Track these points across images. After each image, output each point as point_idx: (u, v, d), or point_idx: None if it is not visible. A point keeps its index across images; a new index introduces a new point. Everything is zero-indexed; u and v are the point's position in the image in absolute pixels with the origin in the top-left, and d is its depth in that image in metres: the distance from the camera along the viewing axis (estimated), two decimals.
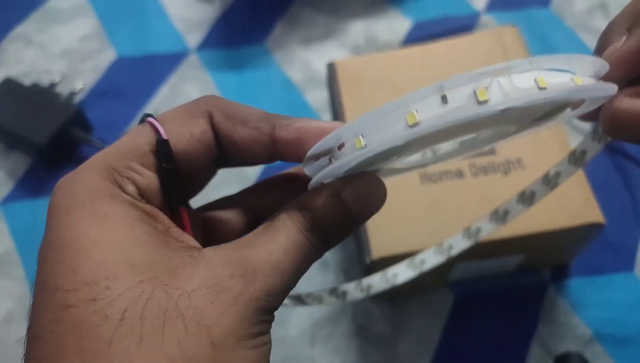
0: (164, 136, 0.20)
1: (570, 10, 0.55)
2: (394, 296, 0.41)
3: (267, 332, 0.19)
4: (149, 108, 0.50)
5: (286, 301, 0.27)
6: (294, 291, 0.22)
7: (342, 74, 0.41)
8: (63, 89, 0.48)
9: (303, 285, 0.42)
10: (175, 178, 0.21)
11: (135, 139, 0.21)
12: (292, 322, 0.40)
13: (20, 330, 0.40)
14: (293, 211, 0.20)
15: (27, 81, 0.48)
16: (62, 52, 0.53)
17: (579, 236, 0.38)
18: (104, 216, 0.19)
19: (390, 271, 0.30)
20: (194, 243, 0.21)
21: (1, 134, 0.47)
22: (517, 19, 0.54)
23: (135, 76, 0.52)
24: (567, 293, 0.42)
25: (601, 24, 0.55)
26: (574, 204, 0.36)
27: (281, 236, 0.20)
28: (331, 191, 0.20)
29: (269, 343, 0.19)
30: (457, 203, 0.36)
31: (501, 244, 0.36)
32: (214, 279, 0.18)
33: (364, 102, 0.40)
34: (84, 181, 0.20)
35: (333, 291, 0.29)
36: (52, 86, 0.48)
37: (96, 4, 0.56)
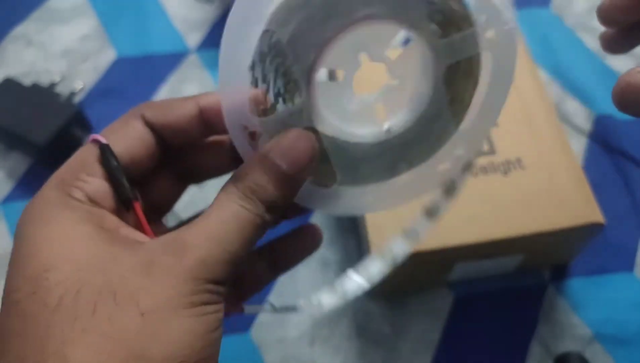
0: (104, 141, 0.23)
1: (570, 10, 0.56)
2: (394, 296, 0.41)
3: (210, 302, 0.20)
4: None
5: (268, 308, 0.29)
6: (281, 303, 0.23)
7: None
8: (63, 89, 0.48)
9: (305, 284, 0.42)
10: (122, 177, 0.23)
11: (81, 154, 0.23)
12: (291, 323, 0.40)
13: None
14: (227, 186, 0.21)
15: (27, 81, 0.48)
16: (62, 52, 0.53)
17: (579, 236, 0.38)
18: (51, 221, 0.21)
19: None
20: (142, 238, 0.22)
21: (1, 134, 0.47)
22: (517, 19, 0.54)
23: (135, 76, 0.52)
24: (567, 293, 0.42)
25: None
26: (574, 204, 0.36)
27: (215, 210, 0.21)
28: (257, 155, 0.21)
29: (215, 313, 0.20)
30: (457, 202, 0.36)
31: (501, 244, 0.36)
32: (147, 259, 0.19)
33: None
34: (39, 197, 0.22)
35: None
36: (52, 86, 0.48)
37: (96, 4, 0.56)
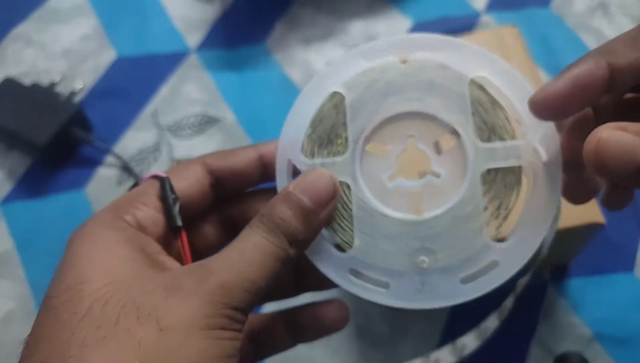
0: (164, 175, 0.25)
1: (570, 10, 0.56)
2: None
3: (228, 327, 0.20)
4: (149, 108, 0.50)
5: None
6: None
7: None
8: (63, 89, 0.48)
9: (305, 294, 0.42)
10: (175, 205, 0.24)
11: (141, 188, 0.25)
12: None
13: (20, 330, 0.40)
14: (253, 220, 0.23)
15: (27, 81, 0.48)
16: (62, 52, 0.53)
17: (579, 236, 0.38)
18: (96, 238, 0.22)
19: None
20: (177, 266, 0.23)
21: (1, 134, 0.47)
22: (517, 19, 0.54)
23: (135, 76, 0.52)
24: (567, 293, 0.42)
25: (601, 24, 0.55)
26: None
27: (239, 241, 0.22)
28: (283, 191, 0.23)
29: (232, 340, 0.20)
30: None
31: None
32: (172, 280, 0.21)
33: None
34: (93, 217, 0.24)
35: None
36: (52, 85, 0.48)
37: (96, 4, 0.56)
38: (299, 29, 0.55)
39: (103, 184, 0.46)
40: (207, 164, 0.26)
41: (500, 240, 0.24)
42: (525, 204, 0.24)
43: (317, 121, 0.26)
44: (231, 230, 0.28)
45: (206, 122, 0.49)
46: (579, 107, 0.22)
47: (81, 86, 0.49)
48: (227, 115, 0.50)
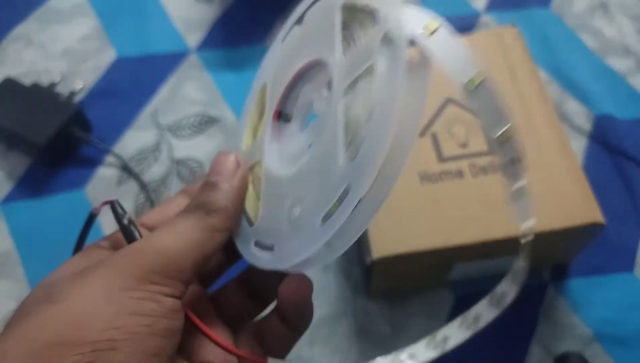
0: (114, 199, 0.26)
1: (570, 10, 0.56)
2: (394, 296, 0.41)
3: (152, 298, 0.21)
4: (149, 108, 0.50)
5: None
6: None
7: None
8: (63, 89, 0.48)
9: None
10: (129, 224, 0.25)
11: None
12: None
13: None
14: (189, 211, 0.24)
15: (27, 81, 0.48)
16: (62, 52, 0.53)
17: (579, 236, 0.38)
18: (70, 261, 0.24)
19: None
20: None
21: (1, 134, 0.47)
22: (517, 19, 0.54)
23: (135, 76, 0.52)
24: (567, 293, 0.42)
25: (601, 24, 0.55)
26: (574, 204, 0.36)
27: (165, 224, 0.24)
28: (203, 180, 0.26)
29: (151, 301, 0.21)
30: (457, 203, 0.36)
31: (501, 244, 0.36)
32: (92, 261, 0.23)
33: None
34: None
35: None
36: (52, 86, 0.48)
37: (96, 4, 0.56)
38: None
39: (103, 184, 0.46)
40: (144, 224, 0.26)
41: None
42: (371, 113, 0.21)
43: (252, 115, 0.27)
44: (257, 300, 0.29)
45: (206, 122, 0.49)
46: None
47: (81, 86, 0.49)
48: (227, 115, 0.50)
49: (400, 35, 0.21)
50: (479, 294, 0.42)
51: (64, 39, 0.54)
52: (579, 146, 0.48)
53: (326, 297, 0.41)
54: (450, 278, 0.41)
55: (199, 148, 0.48)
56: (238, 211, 0.25)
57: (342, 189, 0.20)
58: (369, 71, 0.21)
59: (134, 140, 0.48)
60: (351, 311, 0.41)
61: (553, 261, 0.42)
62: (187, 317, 0.23)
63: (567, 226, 0.35)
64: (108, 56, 0.53)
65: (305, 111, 0.25)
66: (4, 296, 0.42)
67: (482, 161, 0.38)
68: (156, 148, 0.48)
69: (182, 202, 0.26)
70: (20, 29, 0.54)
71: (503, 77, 0.40)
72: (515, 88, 0.39)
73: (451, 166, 0.37)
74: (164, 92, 0.51)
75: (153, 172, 0.47)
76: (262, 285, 0.28)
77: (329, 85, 0.23)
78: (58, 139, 0.45)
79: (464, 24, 0.54)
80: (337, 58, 0.22)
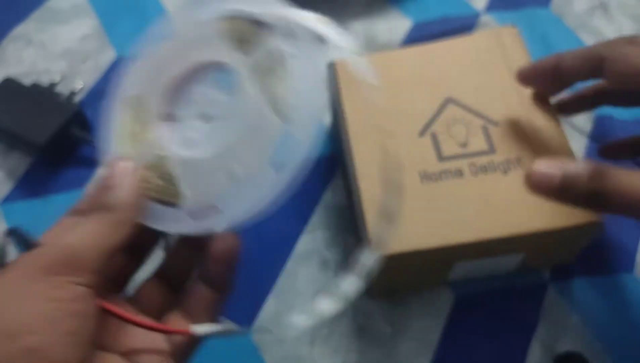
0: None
1: (570, 10, 0.56)
2: (394, 296, 0.41)
3: (60, 286, 0.23)
4: None
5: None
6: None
7: (342, 74, 0.41)
8: (63, 89, 0.48)
9: (304, 285, 0.42)
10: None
11: None
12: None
13: None
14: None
15: (27, 81, 0.48)
16: (62, 52, 0.53)
17: (580, 235, 0.38)
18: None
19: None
20: None
21: (1, 134, 0.47)
22: (517, 19, 0.54)
23: None
24: (567, 293, 0.42)
25: (601, 24, 0.55)
26: None
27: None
28: None
29: (60, 301, 0.23)
30: (457, 201, 0.36)
31: (501, 243, 0.36)
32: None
33: (363, 103, 0.40)
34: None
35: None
36: (52, 85, 0.48)
37: (96, 4, 0.56)
38: None
39: None
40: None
41: None
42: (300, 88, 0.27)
43: (125, 125, 0.31)
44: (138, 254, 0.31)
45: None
46: (542, 82, 0.38)
47: (81, 86, 0.49)
48: None
49: (304, 30, 0.27)
50: (479, 294, 0.42)
51: (64, 39, 0.54)
52: (579, 146, 0.48)
53: None
54: (450, 277, 0.41)
55: None
56: (138, 204, 0.28)
57: (284, 140, 0.26)
58: (278, 62, 0.27)
59: None
60: (351, 311, 0.41)
61: (554, 260, 0.42)
62: (108, 313, 0.26)
63: (567, 226, 0.35)
64: (108, 56, 0.53)
65: (199, 106, 0.30)
66: None
67: (482, 160, 0.38)
68: None
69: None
70: (20, 29, 0.54)
71: (502, 77, 0.40)
72: (514, 88, 0.39)
73: (451, 165, 0.37)
74: None
75: None
76: (180, 268, 0.30)
77: (232, 79, 0.28)
78: (58, 139, 0.45)
79: (464, 24, 0.54)
80: (237, 56, 0.28)
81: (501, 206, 0.36)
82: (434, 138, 0.38)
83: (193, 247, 0.30)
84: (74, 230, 0.26)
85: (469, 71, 0.41)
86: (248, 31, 0.28)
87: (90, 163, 0.47)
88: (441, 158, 0.38)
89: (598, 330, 0.40)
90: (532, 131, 0.38)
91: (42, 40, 0.54)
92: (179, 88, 0.30)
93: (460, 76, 0.40)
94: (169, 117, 0.30)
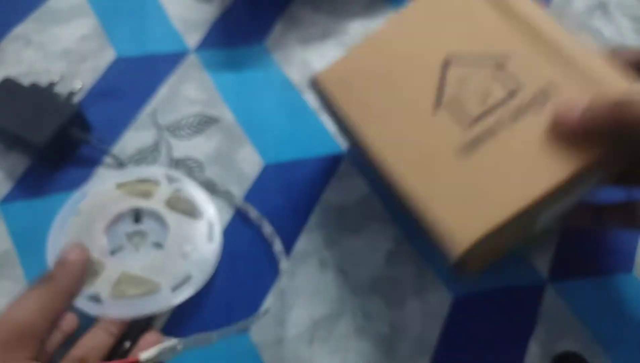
0: None
1: (570, 10, 0.56)
2: (394, 295, 0.41)
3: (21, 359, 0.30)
4: (148, 108, 0.50)
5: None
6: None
7: (329, 83, 0.40)
8: (62, 89, 0.48)
9: (304, 285, 0.42)
10: None
11: None
12: (290, 322, 0.40)
13: None
14: None
15: (26, 81, 0.48)
16: (62, 52, 0.53)
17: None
18: None
19: None
20: None
21: (1, 134, 0.47)
22: None
23: (134, 76, 0.52)
24: (566, 293, 0.42)
25: (601, 24, 0.55)
26: None
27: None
28: None
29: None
30: (513, 154, 0.33)
31: (579, 175, 0.32)
32: None
33: (363, 101, 0.38)
34: None
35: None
36: (52, 86, 0.48)
37: (95, 4, 0.56)
38: (297, 28, 0.55)
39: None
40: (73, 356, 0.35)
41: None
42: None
43: None
44: None
45: (205, 122, 0.49)
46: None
47: (80, 86, 0.49)
48: (226, 115, 0.50)
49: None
50: (479, 293, 0.42)
51: (63, 39, 0.54)
52: None
53: (325, 297, 0.42)
54: (536, 230, 0.38)
55: (198, 148, 0.48)
56: (80, 279, 0.36)
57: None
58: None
59: (133, 140, 0.48)
60: (350, 312, 0.41)
61: (624, 163, 0.37)
62: None
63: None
64: (107, 56, 0.53)
65: (125, 239, 0.42)
66: (4, 297, 0.42)
67: (512, 104, 0.34)
68: (155, 148, 0.48)
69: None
70: (19, 30, 0.54)
71: (489, 15, 0.37)
72: (514, 15, 0.36)
73: (480, 127, 0.34)
74: (163, 92, 0.51)
75: None
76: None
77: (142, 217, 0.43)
78: (57, 139, 0.45)
79: None
80: (151, 202, 0.43)
81: (557, 143, 0.33)
82: (450, 108, 0.35)
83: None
84: (23, 304, 0.31)
85: (451, 26, 0.37)
86: (144, 186, 0.44)
87: (90, 163, 0.47)
88: (466, 124, 0.35)
89: (596, 330, 0.40)
90: (552, 52, 0.35)
91: (42, 40, 0.54)
92: (107, 231, 0.42)
93: (446, 36, 0.37)
94: (111, 252, 0.41)
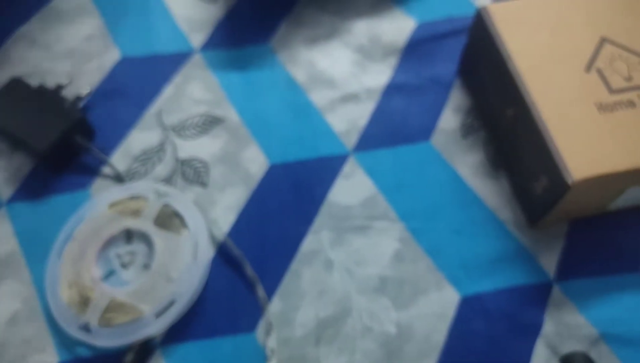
0: None
1: None
2: (401, 295, 0.41)
3: None
4: (153, 108, 0.50)
5: None
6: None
7: (497, 17, 0.44)
8: (69, 93, 0.48)
9: (309, 285, 0.42)
10: None
11: None
12: (297, 322, 0.40)
13: (25, 330, 0.40)
14: None
15: (31, 81, 0.48)
16: (67, 52, 0.53)
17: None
18: None
19: None
20: None
21: (5, 135, 0.47)
22: None
23: (139, 76, 0.52)
24: (573, 293, 0.42)
25: None
26: None
27: None
28: None
29: None
30: (636, 129, 0.39)
31: None
32: None
33: (525, 40, 0.43)
34: None
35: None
36: (59, 88, 0.48)
37: (100, 4, 0.56)
38: (303, 28, 0.55)
39: (107, 185, 0.46)
40: None
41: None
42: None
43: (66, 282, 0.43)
44: None
45: (210, 122, 0.49)
46: None
47: (87, 91, 0.49)
48: (231, 115, 0.50)
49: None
50: (485, 293, 0.42)
51: (68, 39, 0.54)
52: None
53: (331, 297, 0.41)
54: (613, 206, 0.43)
55: (203, 148, 0.48)
56: None
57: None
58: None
59: (138, 140, 0.48)
60: (356, 312, 0.41)
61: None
62: None
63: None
64: (112, 56, 0.53)
65: (117, 261, 0.43)
66: (10, 297, 0.42)
67: (621, 96, 0.40)
68: (160, 148, 0.48)
69: None
70: (24, 30, 0.54)
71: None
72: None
73: (622, 97, 0.40)
74: (168, 92, 0.51)
75: (157, 172, 0.47)
76: None
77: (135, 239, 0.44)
78: (59, 146, 0.45)
79: (465, 24, 0.54)
80: (140, 222, 0.44)
81: None
82: (600, 73, 0.41)
83: None
84: None
85: (619, 11, 0.44)
86: (135, 204, 0.44)
87: (93, 167, 0.47)
88: (611, 90, 0.40)
89: (604, 330, 0.40)
90: None
91: (47, 40, 0.54)
92: (99, 255, 0.43)
93: (611, 17, 0.44)
94: (105, 276, 0.42)
